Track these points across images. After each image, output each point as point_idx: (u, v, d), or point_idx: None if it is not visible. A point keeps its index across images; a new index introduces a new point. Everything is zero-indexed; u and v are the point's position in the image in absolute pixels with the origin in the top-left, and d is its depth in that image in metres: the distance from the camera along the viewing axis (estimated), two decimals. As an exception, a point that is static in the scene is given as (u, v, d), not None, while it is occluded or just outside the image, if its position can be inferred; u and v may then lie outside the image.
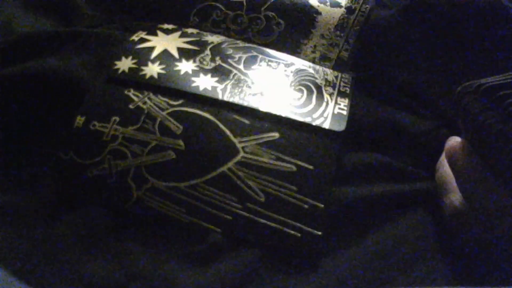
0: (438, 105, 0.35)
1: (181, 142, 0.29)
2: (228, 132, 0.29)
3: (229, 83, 0.31)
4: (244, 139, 0.29)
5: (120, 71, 0.31)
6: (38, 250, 0.26)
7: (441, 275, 0.27)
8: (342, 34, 0.35)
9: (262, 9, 0.36)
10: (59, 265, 0.26)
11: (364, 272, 0.27)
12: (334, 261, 0.27)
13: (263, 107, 0.31)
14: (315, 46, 0.35)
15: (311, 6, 0.36)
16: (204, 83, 0.31)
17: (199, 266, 0.26)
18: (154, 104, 0.30)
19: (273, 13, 0.36)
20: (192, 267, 0.26)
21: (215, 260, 0.27)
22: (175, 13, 0.36)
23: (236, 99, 0.31)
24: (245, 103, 0.30)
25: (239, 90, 0.31)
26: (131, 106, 0.30)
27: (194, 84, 0.31)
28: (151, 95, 0.30)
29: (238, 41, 0.35)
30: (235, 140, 0.29)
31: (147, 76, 0.31)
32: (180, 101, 0.30)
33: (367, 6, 0.37)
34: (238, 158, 0.29)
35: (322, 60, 0.34)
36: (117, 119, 0.29)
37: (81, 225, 0.27)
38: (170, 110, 0.30)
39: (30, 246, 0.26)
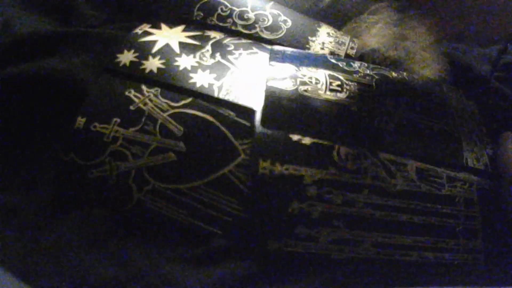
0: None
1: (182, 144, 0.29)
2: (228, 134, 0.29)
3: (225, 81, 0.31)
4: (245, 141, 0.29)
5: (121, 65, 0.31)
6: (39, 250, 0.26)
7: None
8: (346, 35, 0.35)
9: (267, 6, 0.36)
10: (60, 265, 0.26)
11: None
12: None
13: (258, 107, 0.31)
14: (323, 43, 0.35)
15: None
16: (201, 80, 0.31)
17: (199, 267, 0.27)
18: (155, 105, 0.30)
19: (278, 11, 0.36)
20: (192, 268, 0.26)
21: (215, 262, 0.27)
22: (178, 7, 0.36)
23: (231, 97, 0.31)
24: (240, 102, 0.30)
25: (235, 88, 0.31)
26: (131, 107, 0.30)
27: (191, 81, 0.31)
28: (151, 96, 0.30)
29: (241, 37, 0.35)
30: (236, 142, 0.29)
31: (147, 71, 0.31)
32: (181, 103, 0.30)
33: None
34: (238, 160, 0.29)
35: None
36: (118, 120, 0.29)
37: (81, 226, 0.27)
38: (171, 111, 0.30)
39: (31, 246, 0.26)
